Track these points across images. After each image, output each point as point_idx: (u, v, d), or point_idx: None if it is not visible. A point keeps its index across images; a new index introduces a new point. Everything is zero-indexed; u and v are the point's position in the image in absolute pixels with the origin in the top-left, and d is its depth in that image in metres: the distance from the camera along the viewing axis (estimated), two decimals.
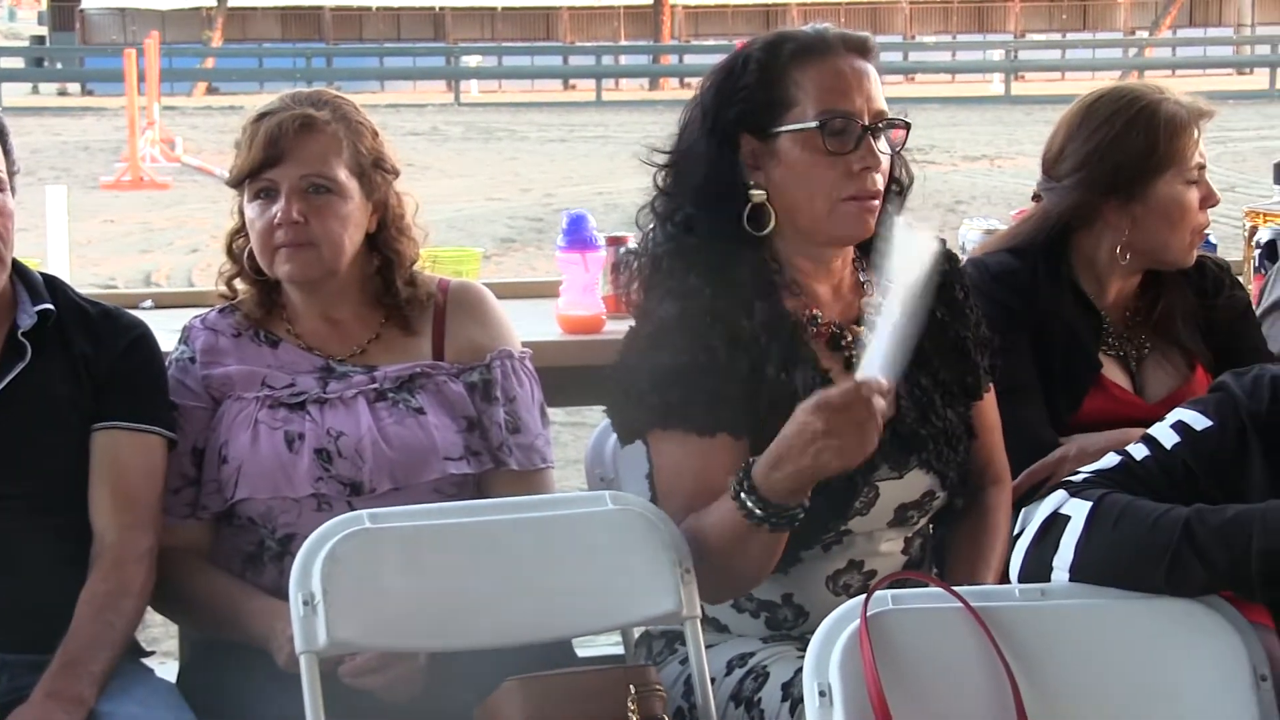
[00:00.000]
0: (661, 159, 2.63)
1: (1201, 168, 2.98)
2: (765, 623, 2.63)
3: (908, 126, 2.57)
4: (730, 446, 2.48)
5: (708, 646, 2.55)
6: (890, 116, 2.55)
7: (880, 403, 2.27)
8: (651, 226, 2.62)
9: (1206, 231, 3.06)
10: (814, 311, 2.58)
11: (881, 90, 2.57)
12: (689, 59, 36.87)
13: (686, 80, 34.46)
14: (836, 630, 2.11)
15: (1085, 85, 3.10)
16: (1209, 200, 2.99)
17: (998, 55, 36.76)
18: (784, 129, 2.52)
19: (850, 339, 2.58)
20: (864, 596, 2.13)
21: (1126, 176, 2.94)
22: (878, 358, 2.29)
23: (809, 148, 2.51)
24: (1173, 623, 2.16)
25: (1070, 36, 44.62)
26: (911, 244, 2.36)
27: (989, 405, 2.74)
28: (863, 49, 2.56)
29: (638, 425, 2.55)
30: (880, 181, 2.53)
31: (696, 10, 45.30)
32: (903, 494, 2.59)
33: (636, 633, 2.72)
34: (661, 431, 2.51)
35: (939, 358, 2.64)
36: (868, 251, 2.63)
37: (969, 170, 14.40)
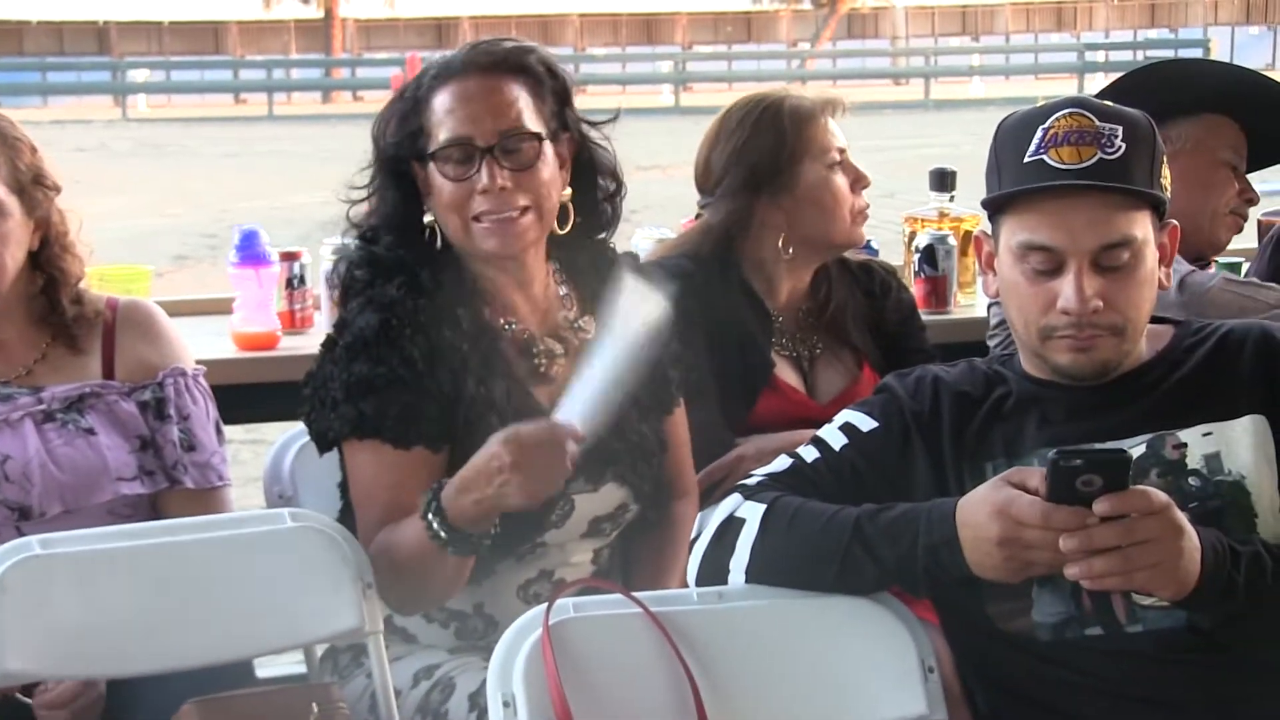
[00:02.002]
0: (355, 193, 2.62)
1: (843, 152, 3.06)
2: (455, 633, 2.62)
3: (540, 137, 2.55)
4: (427, 459, 2.47)
5: (395, 659, 2.54)
6: (530, 131, 2.52)
7: (572, 448, 2.28)
8: (351, 241, 2.62)
9: (867, 233, 3.14)
10: (509, 321, 2.58)
11: (531, 103, 2.55)
12: (361, 72, 36.56)
13: (359, 94, 34.21)
14: (519, 639, 2.12)
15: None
16: (860, 182, 3.07)
17: (666, 67, 37.33)
18: (428, 155, 2.53)
19: (542, 349, 2.59)
20: (546, 605, 2.14)
21: (766, 172, 3.01)
22: (579, 403, 2.30)
23: (440, 172, 2.52)
24: (845, 620, 2.21)
25: (735, 48, 45.60)
26: (638, 298, 2.39)
27: (679, 419, 2.78)
28: (504, 65, 2.55)
29: (332, 435, 2.52)
30: (520, 198, 2.51)
31: (368, 24, 44.93)
32: (597, 507, 2.61)
33: (321, 649, 2.69)
34: (357, 442, 2.49)
35: (634, 372, 2.67)
36: (568, 266, 2.66)
37: (642, 180, 14.58)
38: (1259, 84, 3.18)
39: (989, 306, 3.24)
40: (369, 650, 2.46)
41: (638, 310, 2.36)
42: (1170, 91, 2.92)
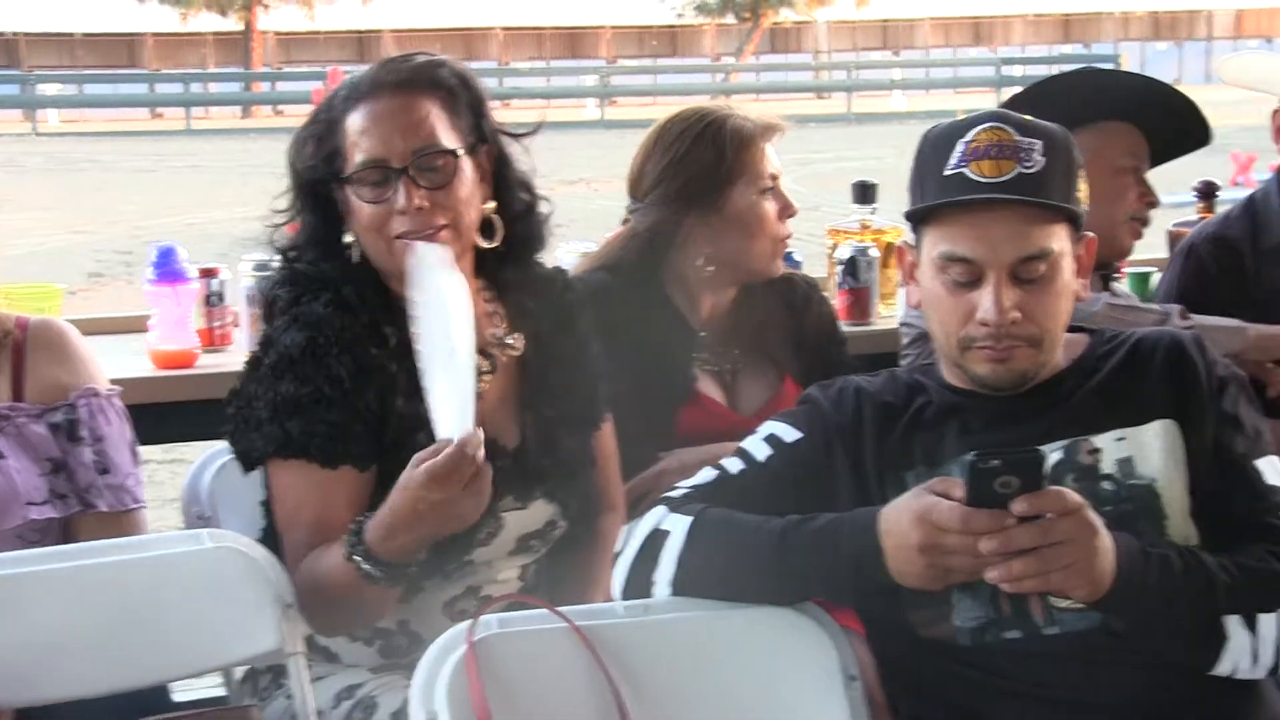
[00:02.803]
0: (278, 216, 2.59)
1: (775, 179, 3.07)
2: (379, 651, 2.60)
3: (455, 153, 2.51)
4: (354, 478, 2.45)
5: (317, 679, 2.52)
6: (443, 148, 2.49)
7: (481, 453, 2.26)
8: (274, 258, 2.59)
9: (790, 246, 3.15)
10: None
11: (445, 118, 2.52)
12: (282, 86, 36.34)
13: (280, 108, 34.03)
14: (443, 656, 2.10)
15: (675, 109, 3.17)
16: (786, 211, 3.08)
17: (591, 80, 37.38)
18: (344, 177, 2.51)
19: None
20: (470, 622, 2.13)
21: (699, 189, 3.01)
22: (455, 412, 2.27)
23: (356, 194, 2.50)
24: (770, 630, 2.22)
25: (660, 62, 45.73)
26: (432, 278, 2.37)
27: (607, 434, 2.77)
28: (416, 82, 2.51)
29: (257, 454, 2.49)
30: (440, 215, 2.49)
31: (288, 37, 44.76)
32: (526, 524, 2.60)
33: (240, 671, 2.66)
34: (283, 461, 2.46)
35: (563, 388, 2.66)
36: (499, 284, 2.65)
37: (567, 194, 14.61)
38: (1149, 86, 3.22)
39: (900, 325, 3.24)
40: (290, 671, 2.43)
41: (443, 297, 2.34)
42: (1066, 103, 2.94)
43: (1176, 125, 3.21)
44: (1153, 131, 3.17)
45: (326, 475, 2.44)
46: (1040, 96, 3.06)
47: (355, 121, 2.49)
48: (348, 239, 2.53)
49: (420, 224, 2.47)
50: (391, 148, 2.47)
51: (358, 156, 2.48)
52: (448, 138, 2.50)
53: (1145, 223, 3.20)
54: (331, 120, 2.52)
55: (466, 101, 2.55)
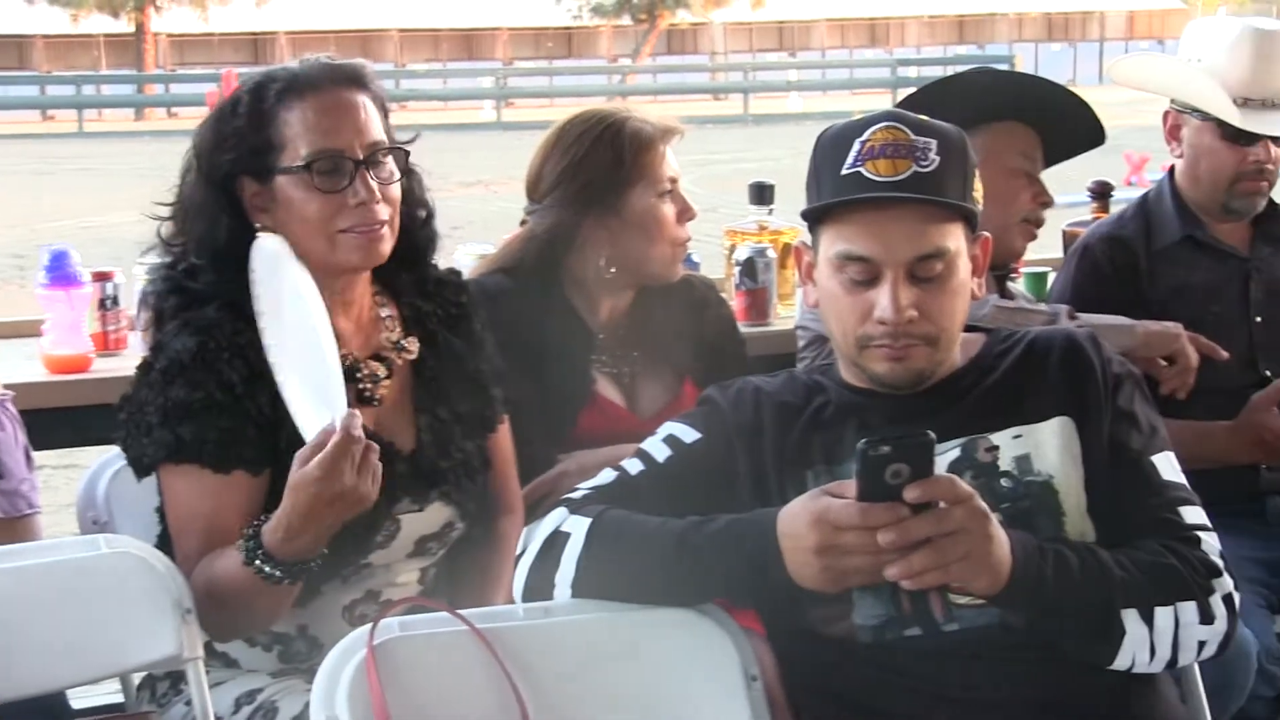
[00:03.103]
0: (164, 210, 2.56)
1: (674, 182, 3.08)
2: (278, 656, 2.59)
3: (406, 152, 2.56)
4: (247, 483, 2.44)
5: (216, 685, 2.50)
6: (389, 145, 2.53)
7: (361, 435, 2.26)
8: (166, 259, 2.56)
9: (689, 248, 3.16)
10: None
11: (379, 118, 2.54)
12: (176, 88, 35.98)
13: (174, 110, 33.68)
14: (343, 660, 2.09)
15: (572, 111, 3.17)
16: (685, 214, 3.08)
17: (488, 82, 37.28)
18: (278, 170, 2.48)
19: (366, 372, 2.57)
20: (370, 625, 2.12)
21: (598, 191, 3.01)
22: (327, 397, 2.27)
23: (303, 186, 2.48)
24: (671, 631, 2.22)
25: (556, 64, 45.71)
26: (278, 269, 2.36)
27: (504, 436, 2.77)
28: (353, 79, 2.53)
29: (149, 459, 2.47)
30: (384, 211, 2.51)
31: (181, 39, 44.33)
32: (424, 526, 2.60)
33: (138, 677, 2.63)
34: (175, 466, 2.45)
35: (458, 391, 2.66)
36: (392, 288, 2.64)
37: (465, 196, 14.55)
38: (1043, 87, 3.25)
39: (797, 328, 3.26)
40: (189, 677, 2.42)
41: (294, 287, 2.34)
42: (961, 103, 2.96)
43: (1070, 126, 3.24)
44: (1047, 132, 3.20)
45: (219, 480, 2.43)
46: (935, 97, 3.08)
47: (298, 115, 2.48)
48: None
49: (370, 217, 2.48)
50: (347, 140, 2.48)
51: (305, 148, 2.47)
52: (385, 137, 2.53)
53: (1039, 224, 3.23)
54: (262, 114, 2.49)
55: (383, 106, 2.57)
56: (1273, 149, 3.35)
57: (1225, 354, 3.19)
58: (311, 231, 2.49)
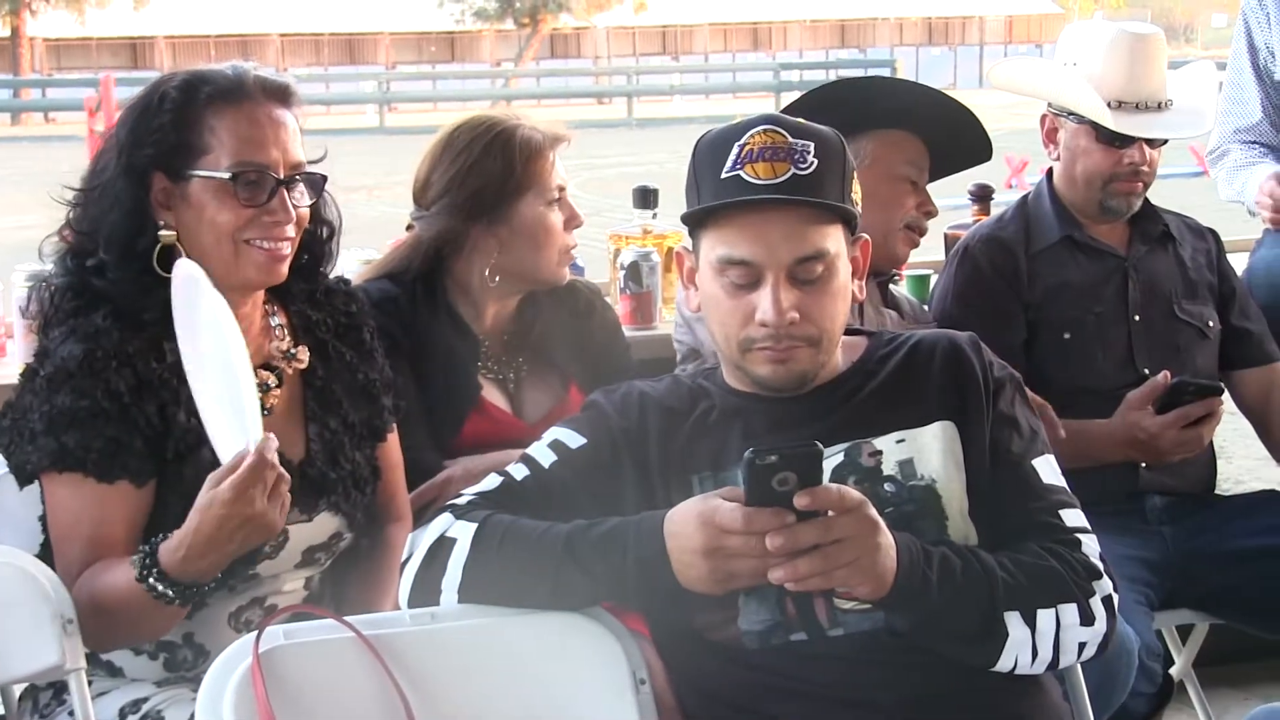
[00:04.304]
0: (72, 195, 2.52)
1: (562, 190, 3.08)
2: (164, 664, 2.56)
3: (324, 179, 2.55)
4: (131, 493, 2.41)
5: (100, 694, 2.48)
6: (308, 169, 2.52)
7: (275, 461, 2.25)
8: (60, 260, 2.52)
9: (574, 253, 3.17)
10: None
11: (301, 139, 2.53)
12: (52, 93, 35.41)
13: (51, 115, 33.16)
14: (228, 668, 2.08)
15: (456, 115, 3.16)
16: (572, 221, 3.09)
17: (370, 87, 37.04)
18: (196, 174, 2.46)
19: (257, 382, 2.54)
20: (255, 633, 2.10)
21: (488, 200, 3.00)
22: (244, 422, 2.25)
23: (221, 195, 2.45)
24: (558, 635, 2.22)
25: (439, 68, 45.50)
26: (197, 294, 2.34)
27: (393, 444, 2.75)
28: (282, 96, 2.52)
29: (31, 467, 2.44)
30: (293, 231, 2.50)
31: (58, 43, 43.71)
32: (311, 536, 2.58)
33: (20, 688, 2.60)
34: (58, 475, 2.41)
35: (349, 400, 2.64)
36: (282, 296, 2.62)
37: (348, 201, 14.34)
38: (935, 99, 3.28)
39: (675, 341, 3.26)
40: (71, 687, 2.39)
41: (212, 312, 2.32)
42: (848, 109, 2.99)
43: (959, 141, 3.27)
44: (935, 144, 3.23)
45: (103, 490, 2.40)
46: (828, 100, 3.10)
47: (228, 123, 2.46)
48: (166, 235, 2.47)
49: (282, 234, 2.48)
50: (273, 157, 2.47)
51: (228, 158, 2.45)
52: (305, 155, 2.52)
53: (921, 232, 3.26)
54: (188, 114, 2.46)
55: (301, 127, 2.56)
56: (1147, 151, 3.41)
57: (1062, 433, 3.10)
58: (218, 239, 2.47)
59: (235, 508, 2.23)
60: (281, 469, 2.27)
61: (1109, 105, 3.37)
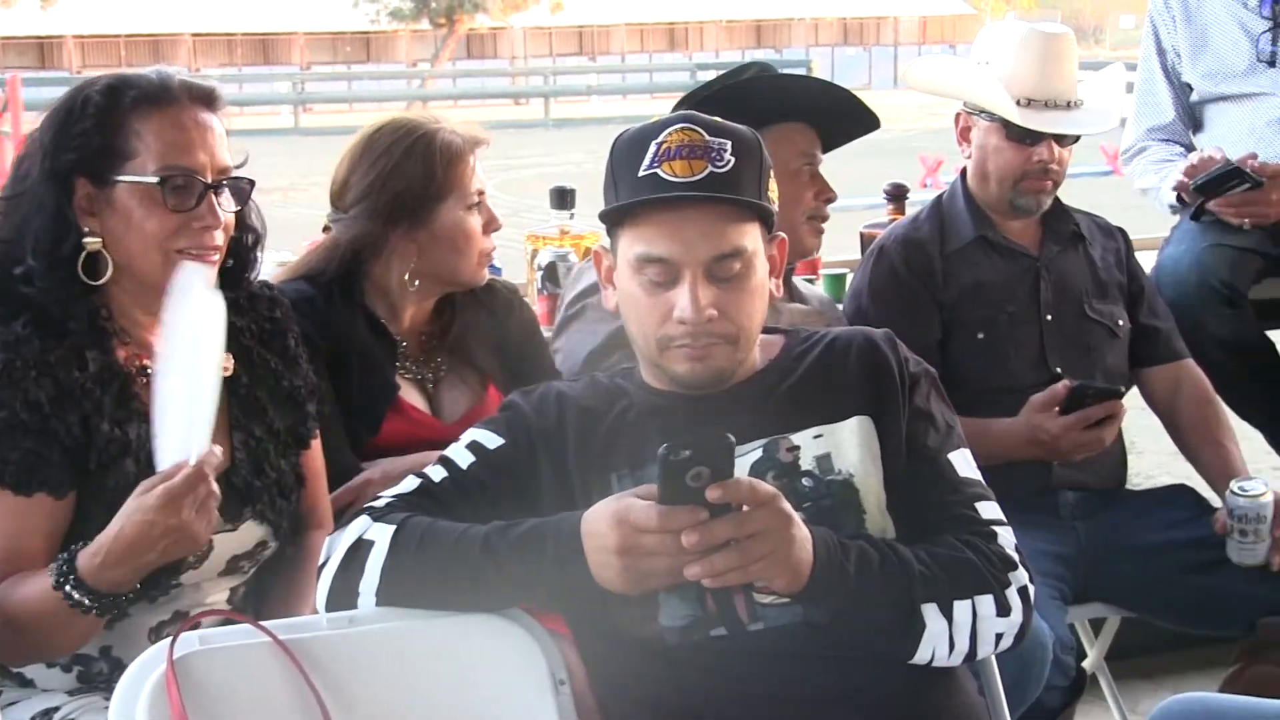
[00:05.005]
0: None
1: (481, 193, 3.07)
2: (78, 676, 2.53)
3: (252, 184, 2.53)
4: (50, 506, 2.38)
5: (10, 704, 2.45)
6: (235, 174, 2.50)
7: (211, 477, 2.24)
8: None
9: (492, 255, 3.16)
10: (144, 362, 2.50)
11: (227, 143, 2.51)
12: None
13: None
14: (142, 675, 2.06)
15: (372, 116, 3.14)
16: (492, 224, 3.08)
17: (284, 87, 36.82)
18: (122, 179, 2.43)
19: None
20: (170, 639, 2.09)
21: (408, 205, 2.99)
22: (193, 432, 2.23)
23: (148, 201, 2.42)
24: (477, 637, 2.22)
25: (355, 68, 45.31)
26: (192, 299, 2.33)
27: (316, 451, 2.73)
28: (208, 100, 2.49)
29: None
30: (221, 237, 2.48)
31: None
32: (236, 545, 2.56)
33: None
34: None
35: (274, 407, 2.62)
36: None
37: (263, 203, 14.30)
38: (808, 84, 3.30)
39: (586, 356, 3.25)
40: None
41: (199, 318, 2.31)
42: (738, 108, 2.99)
43: (843, 116, 3.28)
44: (822, 125, 3.24)
45: (20, 503, 2.37)
46: (708, 104, 3.09)
47: (154, 127, 2.43)
48: (90, 242, 2.45)
49: (207, 243, 2.45)
50: (201, 161, 2.44)
51: (155, 162, 2.42)
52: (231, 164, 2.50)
53: (823, 219, 3.26)
54: (112, 118, 2.43)
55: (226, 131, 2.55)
56: (1056, 149, 3.44)
57: None
58: (147, 246, 2.44)
59: (161, 514, 2.21)
60: (215, 486, 2.25)
61: (1019, 103, 3.41)
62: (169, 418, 2.26)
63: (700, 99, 3.13)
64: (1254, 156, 3.85)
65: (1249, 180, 3.78)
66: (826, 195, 3.24)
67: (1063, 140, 3.45)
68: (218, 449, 2.25)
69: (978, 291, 3.45)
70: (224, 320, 2.33)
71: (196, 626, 2.16)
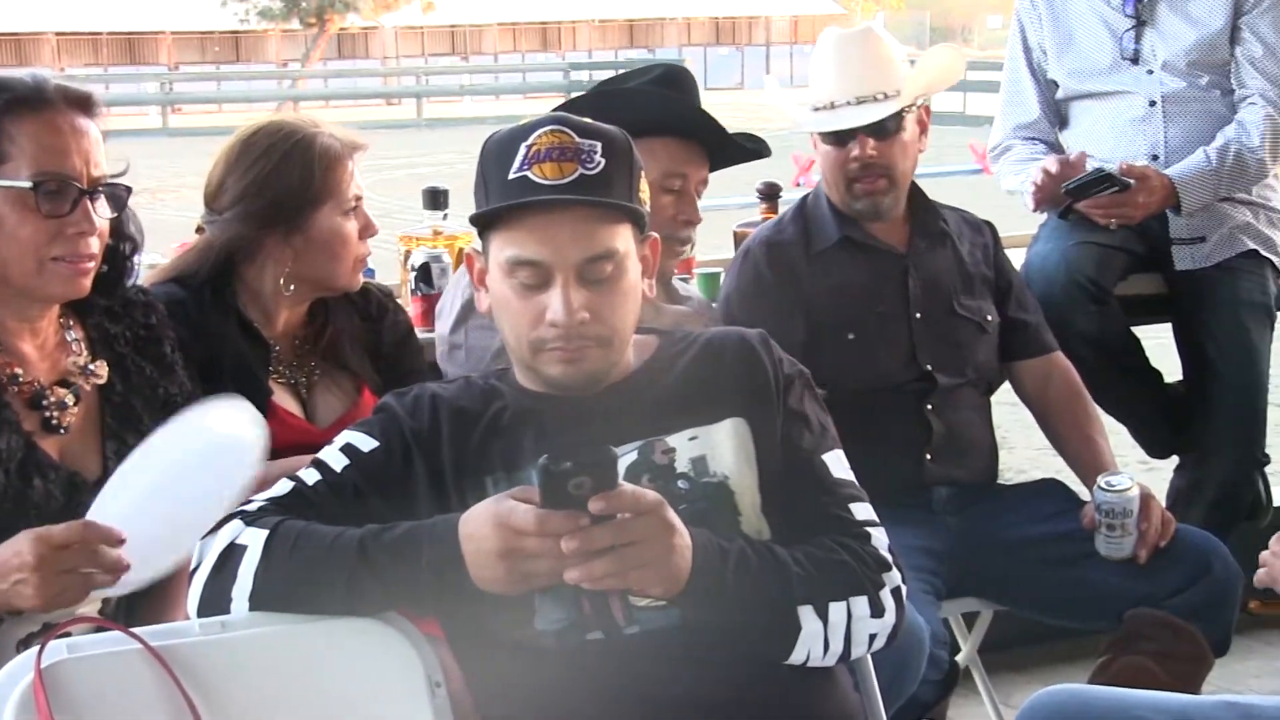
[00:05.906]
0: None
1: (359, 199, 3.05)
2: None
3: (129, 191, 2.50)
4: None
5: None
6: (111, 179, 2.47)
7: (110, 553, 2.22)
8: None
9: (368, 259, 3.14)
10: (15, 370, 2.46)
11: (104, 149, 2.47)
12: None
13: None
14: (9, 685, 2.03)
15: (243, 117, 3.12)
16: (368, 230, 3.07)
17: (152, 87, 36.36)
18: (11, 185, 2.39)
19: (53, 400, 2.48)
20: (37, 648, 2.05)
21: (285, 209, 2.96)
22: (118, 503, 2.22)
23: (21, 206, 2.39)
24: (352, 641, 2.20)
25: (224, 68, 44.83)
26: (239, 425, 2.34)
27: None
28: (85, 106, 2.46)
29: None
30: (96, 245, 2.45)
31: None
32: None
33: None
34: None
35: (149, 415, 2.58)
36: (79, 309, 2.57)
37: (131, 204, 14.09)
38: (677, 105, 3.26)
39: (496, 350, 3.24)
40: None
41: (210, 430, 2.30)
42: (612, 117, 2.99)
43: (726, 142, 3.29)
44: (708, 144, 3.25)
45: None
46: (584, 107, 3.08)
47: (29, 131, 2.39)
48: None
49: (86, 249, 2.43)
50: (76, 167, 2.41)
51: (31, 167, 2.38)
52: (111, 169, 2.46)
53: (682, 242, 3.26)
54: None
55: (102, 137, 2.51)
56: (869, 144, 3.43)
57: None
58: (21, 253, 2.41)
59: (28, 545, 2.21)
60: (107, 562, 2.23)
61: (827, 107, 3.44)
62: (122, 477, 2.24)
63: (577, 104, 3.14)
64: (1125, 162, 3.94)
65: (1118, 184, 3.85)
66: (687, 217, 3.24)
67: (880, 135, 3.44)
68: (122, 534, 2.24)
69: (846, 292, 3.46)
70: (248, 480, 2.34)
71: (67, 635, 2.13)
